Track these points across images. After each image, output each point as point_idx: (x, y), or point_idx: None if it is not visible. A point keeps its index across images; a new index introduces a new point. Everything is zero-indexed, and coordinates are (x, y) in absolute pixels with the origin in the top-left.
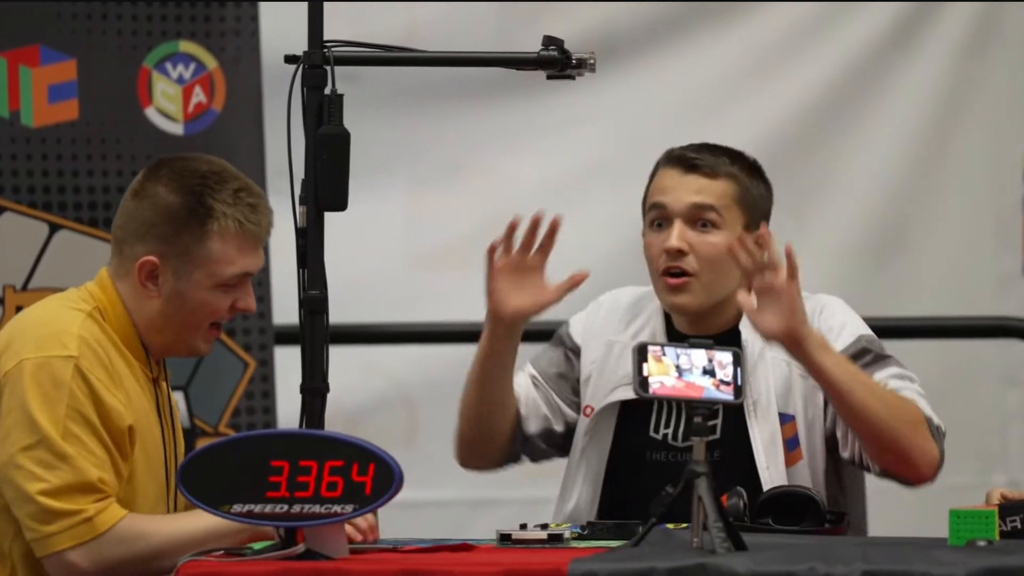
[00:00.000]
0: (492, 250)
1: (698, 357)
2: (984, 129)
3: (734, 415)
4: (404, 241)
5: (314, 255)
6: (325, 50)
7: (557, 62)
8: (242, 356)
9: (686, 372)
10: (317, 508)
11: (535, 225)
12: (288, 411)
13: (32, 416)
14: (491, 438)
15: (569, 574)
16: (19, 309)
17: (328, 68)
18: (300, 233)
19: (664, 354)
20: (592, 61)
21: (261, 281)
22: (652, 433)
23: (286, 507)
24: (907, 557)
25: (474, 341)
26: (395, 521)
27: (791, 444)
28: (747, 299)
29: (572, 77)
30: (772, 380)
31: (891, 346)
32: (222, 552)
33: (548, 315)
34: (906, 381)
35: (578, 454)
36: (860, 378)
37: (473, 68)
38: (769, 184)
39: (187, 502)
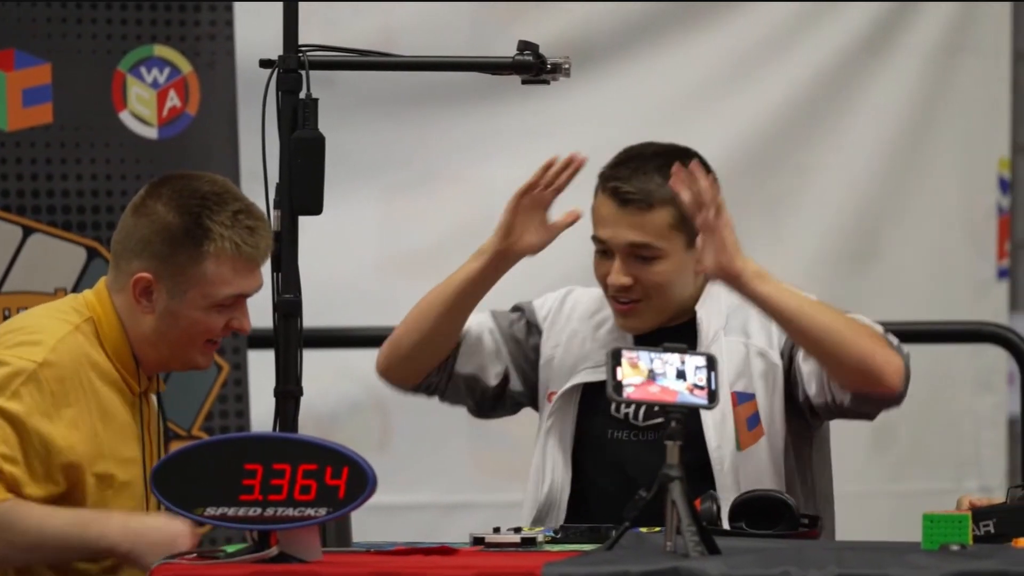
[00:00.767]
0: (528, 190)
1: (672, 361)
2: (959, 134)
3: None
4: (378, 245)
5: (288, 259)
6: (300, 54)
7: (532, 67)
8: (216, 360)
9: (660, 376)
10: (290, 511)
11: (569, 165)
12: (261, 415)
13: None
14: (423, 360)
15: None
16: None
17: (303, 72)
18: (274, 237)
19: (638, 359)
20: (567, 66)
21: None
22: (614, 412)
23: (259, 510)
24: (881, 561)
25: None
26: (369, 525)
27: (752, 422)
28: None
29: (547, 82)
30: (726, 361)
31: None
32: (195, 555)
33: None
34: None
35: (543, 436)
36: (807, 300)
37: (448, 73)
38: (709, 170)
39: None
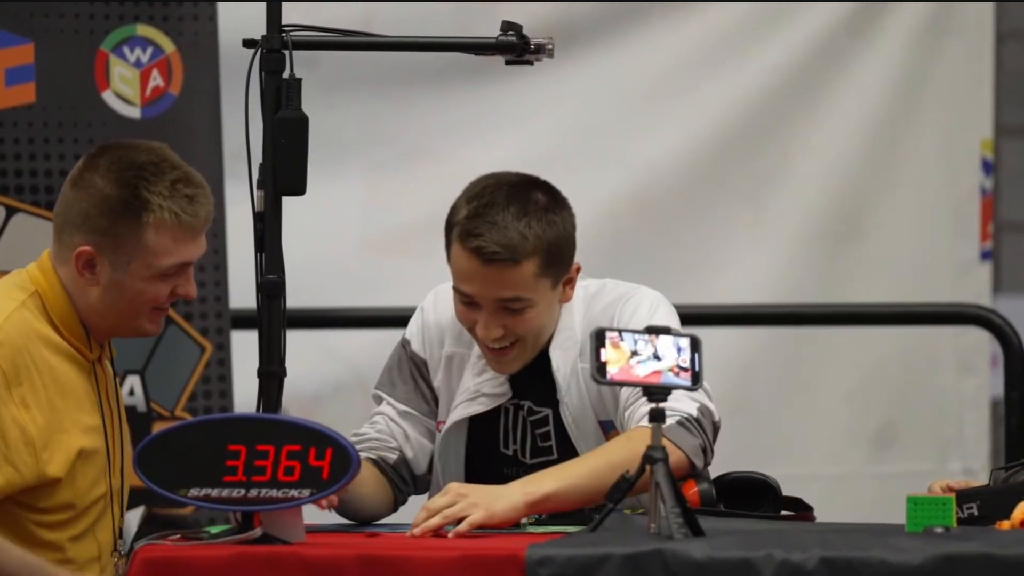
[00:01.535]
0: None
1: (660, 343)
2: (941, 116)
3: (565, 435)
4: (362, 226)
5: (272, 239)
6: (283, 34)
7: (515, 47)
8: (199, 340)
9: (640, 358)
10: (274, 492)
11: None
12: (245, 396)
13: None
14: (378, 511)
15: (526, 559)
16: None
17: (286, 52)
18: (258, 217)
19: (622, 340)
20: (550, 47)
21: (218, 265)
22: (502, 449)
23: (243, 491)
24: (864, 543)
25: None
26: None
27: None
28: None
29: (530, 63)
30: (587, 392)
31: (848, 333)
32: (179, 536)
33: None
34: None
35: (439, 468)
36: (576, 472)
37: (431, 53)
38: (567, 208)
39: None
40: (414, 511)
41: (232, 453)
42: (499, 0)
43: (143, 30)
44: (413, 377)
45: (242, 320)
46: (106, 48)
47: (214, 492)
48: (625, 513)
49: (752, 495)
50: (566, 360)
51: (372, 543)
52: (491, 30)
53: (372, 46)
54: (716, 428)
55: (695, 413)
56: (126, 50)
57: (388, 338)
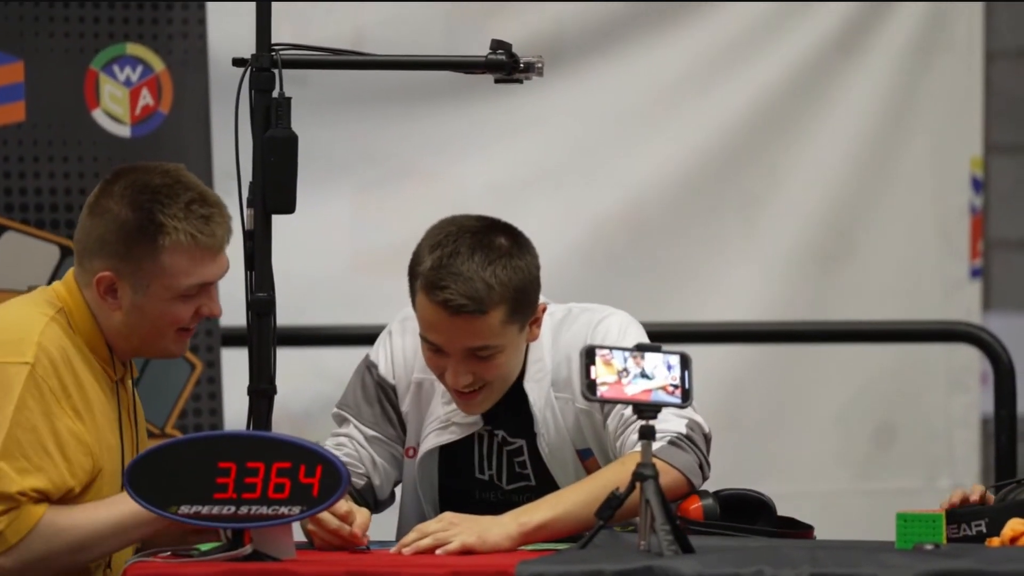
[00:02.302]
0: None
1: (650, 361)
2: (931, 134)
3: (540, 465)
4: (351, 244)
5: (262, 257)
6: (273, 53)
7: (505, 66)
8: (189, 358)
9: (630, 376)
10: (264, 509)
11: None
12: (235, 413)
13: None
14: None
15: None
16: None
17: (276, 71)
18: (248, 236)
19: (612, 357)
20: (540, 65)
21: None
22: (478, 474)
23: (233, 508)
24: (854, 560)
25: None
26: None
27: None
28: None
29: (520, 81)
30: (563, 422)
31: (838, 350)
32: (169, 553)
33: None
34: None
35: (409, 496)
36: (571, 498)
37: (421, 72)
38: (530, 251)
39: None
40: (388, 527)
41: (222, 470)
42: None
43: (133, 49)
44: (380, 401)
45: (232, 338)
46: (96, 67)
47: (204, 509)
48: (615, 530)
49: (747, 512)
50: (540, 392)
51: (361, 560)
52: (481, 49)
53: (361, 65)
54: (708, 440)
55: (684, 430)
56: (116, 69)
57: None
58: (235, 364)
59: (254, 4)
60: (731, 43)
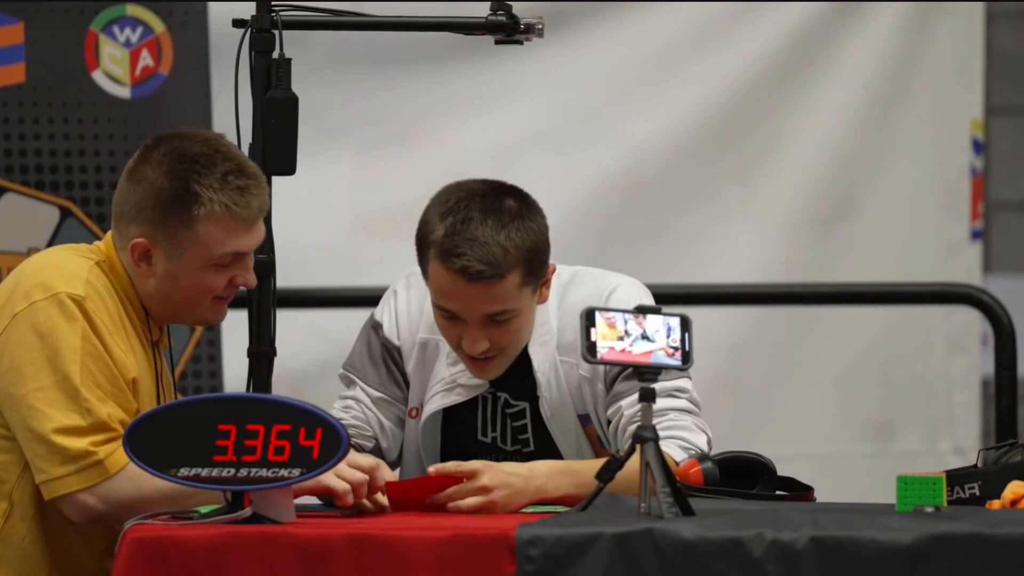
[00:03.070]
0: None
1: (651, 323)
2: (931, 96)
3: (542, 428)
4: (351, 206)
5: None
6: (273, 14)
7: (505, 27)
8: None
9: (631, 338)
10: (264, 472)
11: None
12: (235, 375)
13: (46, 355)
14: None
15: (516, 539)
16: None
17: (276, 32)
18: None
19: (614, 319)
20: (540, 26)
21: None
22: (480, 436)
23: (233, 471)
24: (855, 523)
25: None
26: None
27: (601, 443)
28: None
29: (520, 42)
30: (566, 386)
31: (838, 313)
32: (168, 516)
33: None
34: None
35: (411, 455)
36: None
37: (421, 33)
38: (539, 211)
39: None
40: None
41: (222, 433)
42: None
43: (133, 10)
44: (385, 362)
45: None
46: (96, 28)
47: (204, 471)
48: (615, 493)
49: (747, 475)
50: (545, 355)
51: (362, 522)
52: (481, 11)
53: (362, 26)
54: (699, 405)
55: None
56: (116, 30)
57: None
58: (235, 326)
59: None
60: (731, 6)
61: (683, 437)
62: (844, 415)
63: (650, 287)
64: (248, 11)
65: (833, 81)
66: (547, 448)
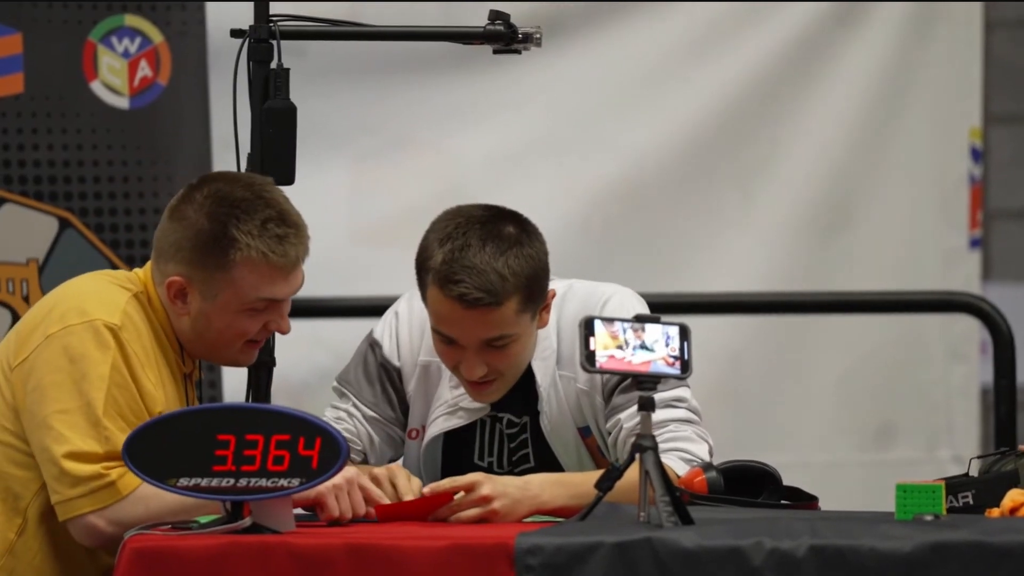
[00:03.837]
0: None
1: (649, 332)
2: (930, 104)
3: (542, 442)
4: (349, 215)
5: None
6: (271, 24)
7: (503, 36)
8: None
9: (630, 348)
10: (263, 482)
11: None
12: (234, 385)
13: (74, 379)
14: None
15: (516, 548)
16: None
17: (274, 42)
18: None
19: (613, 328)
20: (538, 36)
21: None
22: (477, 460)
23: (232, 481)
24: (854, 531)
25: None
26: None
27: (601, 453)
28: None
29: (518, 52)
30: (565, 400)
31: (837, 321)
32: (168, 526)
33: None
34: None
35: (415, 471)
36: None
37: (419, 43)
38: (538, 237)
39: None
40: None
41: (221, 443)
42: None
43: (131, 20)
44: (381, 382)
45: None
46: (94, 38)
47: (203, 481)
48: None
49: (752, 484)
50: (546, 370)
51: (361, 532)
52: (479, 20)
53: (360, 36)
54: (699, 414)
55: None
56: (114, 40)
57: None
58: None
59: None
60: (730, 14)
61: (685, 448)
62: (843, 423)
63: (649, 295)
64: (246, 21)
65: (832, 89)
66: (547, 462)
